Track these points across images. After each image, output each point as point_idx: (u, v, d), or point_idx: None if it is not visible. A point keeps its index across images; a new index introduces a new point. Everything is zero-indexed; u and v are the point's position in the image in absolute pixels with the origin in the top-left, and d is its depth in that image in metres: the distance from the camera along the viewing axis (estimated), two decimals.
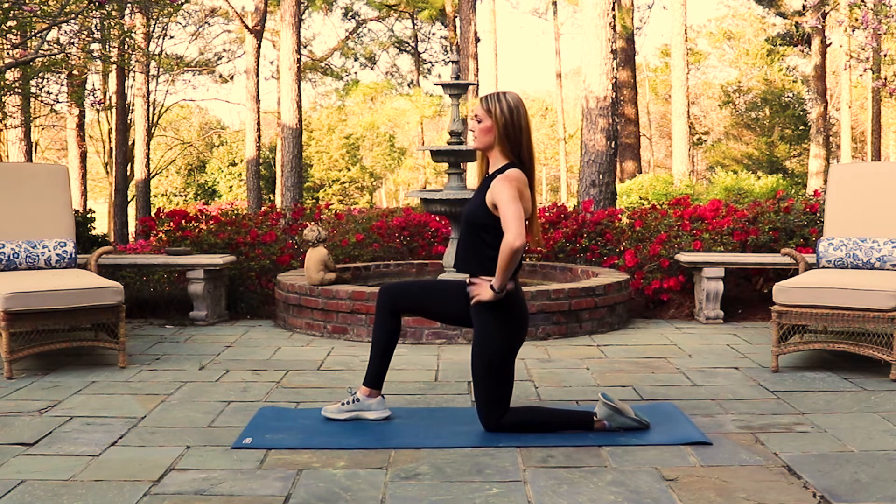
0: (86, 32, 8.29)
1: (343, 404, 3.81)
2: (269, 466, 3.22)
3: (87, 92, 14.01)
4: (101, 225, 21.53)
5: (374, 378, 3.80)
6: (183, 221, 7.43)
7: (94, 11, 7.34)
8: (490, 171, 3.62)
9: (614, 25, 9.64)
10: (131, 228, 18.18)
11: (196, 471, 3.17)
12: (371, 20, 29.83)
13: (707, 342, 5.71)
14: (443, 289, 3.83)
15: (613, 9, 9.58)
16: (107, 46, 9.31)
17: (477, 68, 20.15)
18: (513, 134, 3.53)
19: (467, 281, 3.68)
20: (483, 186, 3.58)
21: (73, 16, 7.35)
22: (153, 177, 23.48)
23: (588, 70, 9.69)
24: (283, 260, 7.24)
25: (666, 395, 4.30)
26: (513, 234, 3.35)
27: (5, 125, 10.67)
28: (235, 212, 8.36)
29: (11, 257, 5.30)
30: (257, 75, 19.65)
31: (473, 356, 3.59)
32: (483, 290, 3.50)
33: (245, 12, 21.56)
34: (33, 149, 17.60)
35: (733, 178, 18.19)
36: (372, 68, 31.50)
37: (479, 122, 3.56)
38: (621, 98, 19.64)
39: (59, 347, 4.92)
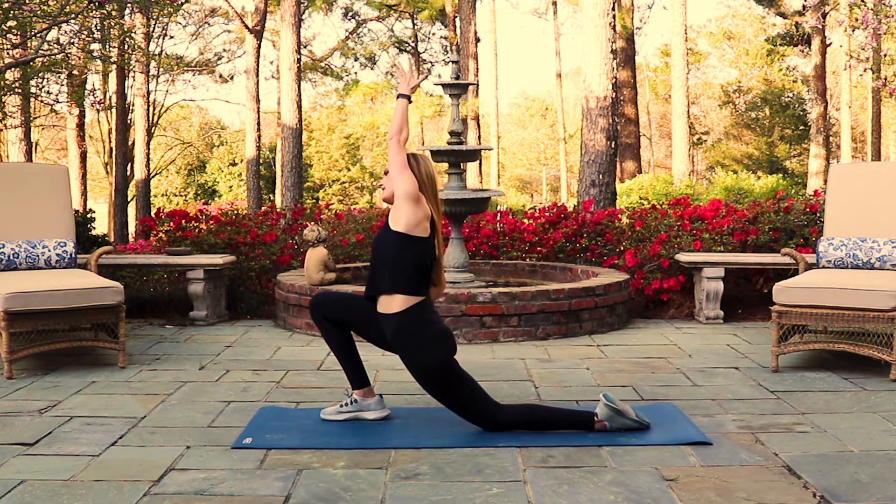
0: (86, 32, 8.28)
1: (342, 406, 3.82)
2: (269, 466, 3.22)
3: (87, 92, 14.01)
4: (101, 225, 21.51)
5: (356, 378, 3.84)
6: (183, 221, 7.43)
7: (94, 11, 7.33)
8: None
9: (614, 25, 9.64)
10: (131, 228, 18.17)
11: (196, 471, 3.17)
12: (371, 20, 29.80)
13: (707, 342, 5.71)
14: (369, 308, 3.76)
15: (613, 9, 9.58)
16: (107, 46, 9.30)
17: (477, 68, 20.15)
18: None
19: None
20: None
21: (73, 16, 7.34)
22: (153, 177, 23.47)
23: (588, 70, 9.69)
24: (283, 260, 7.24)
25: (666, 395, 4.30)
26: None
27: (5, 125, 10.67)
28: (235, 212, 8.36)
29: (11, 257, 5.30)
30: (257, 75, 19.63)
31: (423, 386, 3.65)
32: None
33: (245, 12, 21.53)
34: (33, 149, 17.58)
35: (733, 178, 18.19)
36: (372, 68, 31.46)
37: (387, 173, 3.67)
38: (621, 98, 19.63)
39: (59, 347, 4.93)
